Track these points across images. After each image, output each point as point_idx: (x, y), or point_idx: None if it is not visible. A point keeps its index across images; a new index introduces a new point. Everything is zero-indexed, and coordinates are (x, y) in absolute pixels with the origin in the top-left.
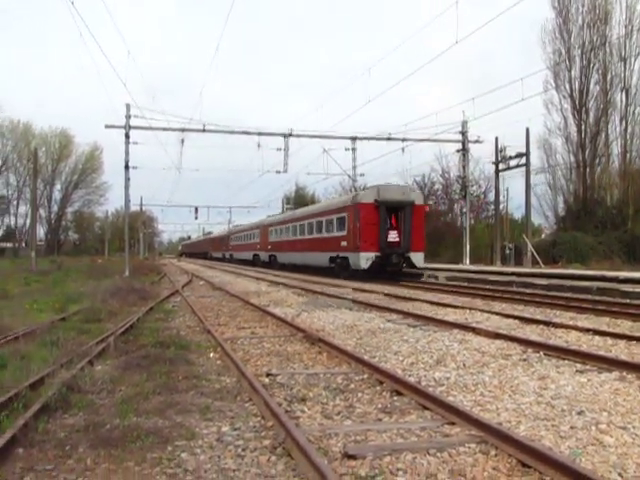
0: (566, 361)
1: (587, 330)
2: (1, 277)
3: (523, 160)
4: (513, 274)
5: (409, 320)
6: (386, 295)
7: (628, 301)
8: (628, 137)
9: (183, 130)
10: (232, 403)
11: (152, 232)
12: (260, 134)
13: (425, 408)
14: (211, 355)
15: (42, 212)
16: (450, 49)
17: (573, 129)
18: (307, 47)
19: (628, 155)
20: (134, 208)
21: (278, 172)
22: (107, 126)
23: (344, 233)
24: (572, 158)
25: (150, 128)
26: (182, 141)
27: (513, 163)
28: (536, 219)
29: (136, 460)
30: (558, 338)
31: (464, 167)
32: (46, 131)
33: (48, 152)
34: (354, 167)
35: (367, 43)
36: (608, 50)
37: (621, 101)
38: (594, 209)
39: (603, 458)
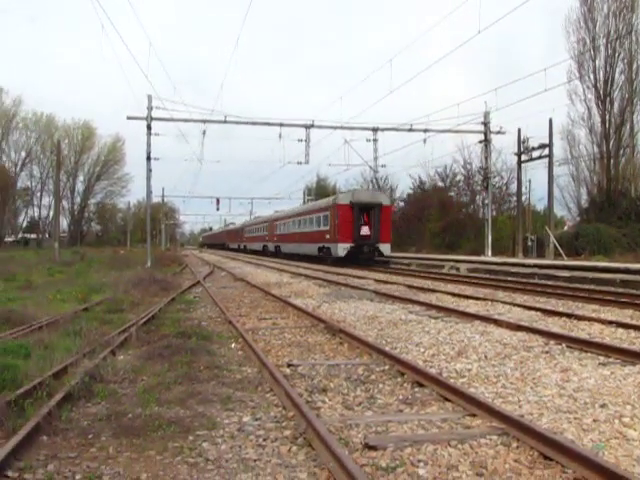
0: (589, 354)
1: (610, 322)
2: (25, 268)
3: (546, 151)
4: (535, 266)
5: (431, 311)
6: (408, 287)
7: None
8: None
9: (205, 121)
10: (253, 393)
11: (174, 223)
12: (282, 125)
13: (446, 400)
14: (232, 345)
15: (65, 204)
16: (473, 39)
17: (597, 119)
18: (330, 37)
19: None
20: (156, 199)
21: (299, 163)
22: (129, 117)
23: (327, 228)
24: (596, 149)
25: (172, 119)
26: (204, 132)
27: (536, 154)
28: (559, 211)
29: (158, 449)
30: (581, 330)
31: (486, 158)
32: (69, 123)
33: (71, 144)
34: (375, 158)
35: (389, 33)
36: (634, 38)
37: None
38: (618, 201)
39: (627, 452)
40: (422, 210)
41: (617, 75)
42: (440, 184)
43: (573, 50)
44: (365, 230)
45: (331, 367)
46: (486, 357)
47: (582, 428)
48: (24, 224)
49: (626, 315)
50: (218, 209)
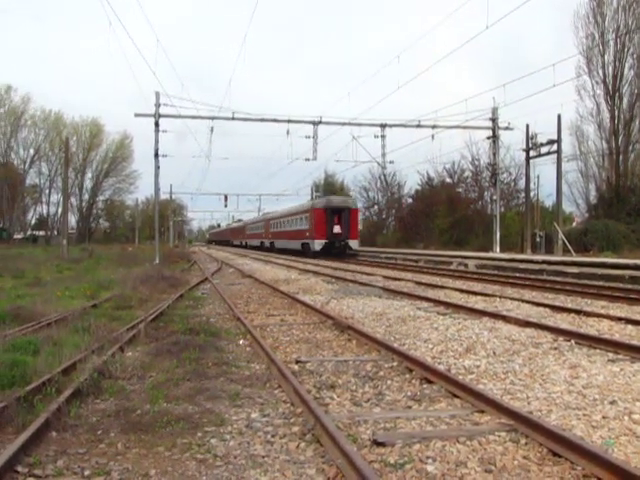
0: (598, 350)
1: (619, 319)
2: (34, 265)
3: (554, 147)
4: (544, 262)
5: (439, 308)
6: (416, 283)
7: None
8: None
9: (212, 118)
10: (261, 390)
11: (182, 220)
12: (289, 121)
13: (455, 396)
14: (241, 342)
15: (73, 200)
16: (480, 34)
17: (606, 115)
18: (336, 34)
19: None
20: (164, 196)
21: (307, 159)
22: (137, 115)
23: (307, 227)
24: (604, 145)
25: (180, 116)
26: (211, 129)
27: (544, 150)
28: (567, 207)
29: (166, 445)
30: (589, 327)
31: (494, 154)
32: (77, 120)
33: (79, 141)
34: (383, 154)
35: (397, 28)
36: None
37: None
38: (627, 197)
39: (636, 448)
40: (430, 206)
41: (626, 70)
42: (448, 180)
43: (582, 45)
44: (337, 229)
45: (339, 363)
46: (494, 353)
47: (591, 425)
48: (33, 221)
49: (635, 311)
50: (226, 206)
